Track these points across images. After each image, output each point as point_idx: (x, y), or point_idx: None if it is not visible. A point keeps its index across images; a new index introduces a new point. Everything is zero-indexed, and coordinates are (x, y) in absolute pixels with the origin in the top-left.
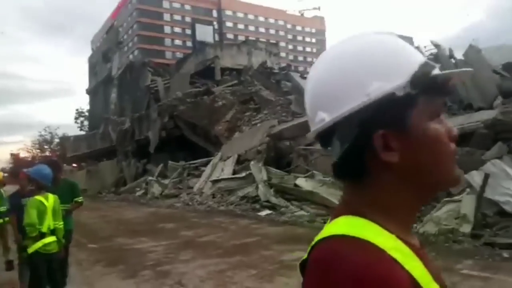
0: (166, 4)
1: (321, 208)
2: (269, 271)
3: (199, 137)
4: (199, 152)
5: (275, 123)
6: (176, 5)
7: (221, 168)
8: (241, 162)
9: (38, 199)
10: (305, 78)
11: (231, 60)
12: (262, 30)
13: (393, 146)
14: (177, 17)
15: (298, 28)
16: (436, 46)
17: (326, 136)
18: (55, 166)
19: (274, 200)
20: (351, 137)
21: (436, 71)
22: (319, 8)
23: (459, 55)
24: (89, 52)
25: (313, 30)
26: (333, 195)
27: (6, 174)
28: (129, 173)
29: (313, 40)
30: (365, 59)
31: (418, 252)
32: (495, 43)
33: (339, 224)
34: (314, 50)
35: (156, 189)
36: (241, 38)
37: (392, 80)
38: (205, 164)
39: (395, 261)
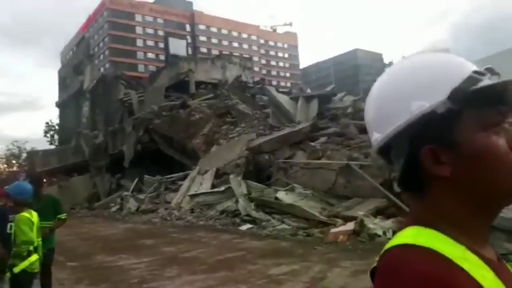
0: (138, 18)
1: (302, 221)
2: (258, 286)
3: (176, 150)
4: (175, 166)
5: (253, 137)
6: (149, 18)
7: (200, 182)
8: (220, 175)
9: (26, 215)
10: (280, 92)
11: (205, 74)
12: (235, 44)
13: (443, 160)
14: (150, 31)
15: (271, 43)
16: None
17: (386, 153)
18: (37, 181)
19: (254, 214)
20: (404, 153)
21: (484, 82)
22: (290, 24)
23: None
24: (57, 65)
25: (286, 46)
26: (314, 208)
27: None
28: (103, 188)
29: (286, 55)
30: (414, 77)
31: (492, 264)
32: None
33: (407, 234)
34: (287, 65)
35: (132, 204)
36: (214, 52)
37: (432, 97)
38: (183, 178)
39: (461, 269)
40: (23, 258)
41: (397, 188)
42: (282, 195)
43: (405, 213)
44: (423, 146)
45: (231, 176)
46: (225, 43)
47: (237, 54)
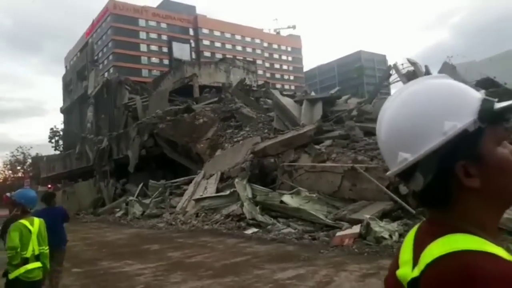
0: (142, 22)
1: (308, 224)
2: None
3: (180, 155)
4: (180, 170)
5: (258, 140)
6: (152, 23)
7: (204, 186)
8: (225, 179)
9: (22, 222)
10: (285, 95)
11: (209, 78)
12: (239, 48)
13: (472, 173)
14: (153, 35)
15: (275, 46)
16: (413, 64)
17: (405, 171)
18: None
19: (260, 217)
20: (433, 170)
21: (497, 105)
22: (294, 27)
23: (434, 72)
24: (61, 70)
25: (289, 48)
26: (319, 211)
27: None
28: (108, 194)
29: (290, 58)
30: (436, 102)
31: None
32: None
33: (456, 240)
34: (291, 68)
35: (137, 209)
36: (218, 56)
37: (463, 118)
38: (188, 183)
39: None
40: (17, 265)
41: (403, 190)
42: (288, 199)
43: (412, 215)
44: (454, 162)
45: (236, 180)
46: (228, 46)
47: (240, 57)
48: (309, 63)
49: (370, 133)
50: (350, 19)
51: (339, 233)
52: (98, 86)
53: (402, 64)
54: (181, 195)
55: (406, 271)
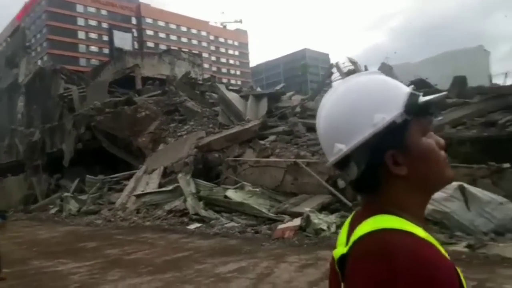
0: (79, 8)
1: (251, 218)
2: (205, 285)
3: (120, 149)
4: (120, 165)
5: (202, 135)
6: (91, 9)
7: (146, 181)
8: (168, 174)
9: None
10: (230, 90)
11: (153, 70)
12: (184, 40)
13: (400, 161)
14: (93, 22)
15: (221, 40)
16: (353, 63)
17: (341, 161)
18: None
19: (203, 212)
20: (365, 160)
21: (421, 98)
22: (241, 21)
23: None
24: None
25: (236, 43)
26: (262, 205)
27: None
28: (40, 190)
29: (236, 53)
30: (368, 96)
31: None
32: (396, 62)
33: (380, 220)
34: (237, 63)
35: (73, 205)
36: (162, 47)
37: (391, 111)
38: (128, 178)
39: (433, 244)
40: None
41: (341, 184)
42: (231, 193)
43: (349, 208)
44: (384, 152)
45: (180, 175)
46: (173, 38)
47: (186, 49)
48: (255, 59)
49: (312, 129)
50: (296, 18)
51: (280, 226)
52: (30, 74)
53: (344, 63)
54: (121, 190)
55: (340, 250)
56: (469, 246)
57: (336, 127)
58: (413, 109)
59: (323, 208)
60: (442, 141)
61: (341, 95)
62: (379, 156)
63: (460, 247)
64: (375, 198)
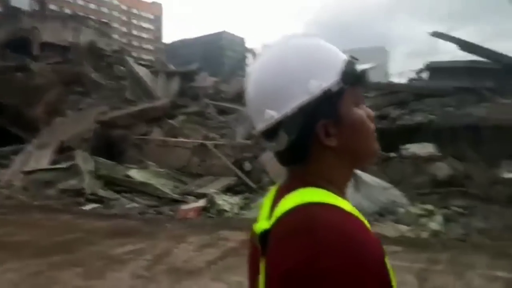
0: None
1: (154, 199)
2: (97, 267)
3: (9, 120)
4: (7, 138)
5: (106, 109)
6: None
7: (38, 157)
8: (64, 150)
9: None
10: (142, 64)
11: (54, 35)
12: (92, 6)
13: (331, 132)
14: None
15: (134, 11)
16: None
17: (270, 130)
18: None
19: (102, 192)
20: (297, 129)
21: (358, 67)
22: None
23: None
24: None
25: (151, 16)
26: (166, 186)
27: None
28: None
29: (151, 27)
30: (303, 61)
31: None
32: None
33: (305, 194)
34: (151, 37)
35: None
36: (67, 11)
37: (328, 78)
38: (16, 152)
39: (357, 217)
40: None
41: (247, 167)
42: (134, 173)
43: (253, 190)
44: (316, 121)
45: (77, 151)
46: (80, 2)
47: (94, 17)
48: (171, 37)
49: (224, 111)
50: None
51: (184, 207)
52: None
53: (259, 49)
54: (7, 166)
55: (262, 225)
56: None
57: (268, 92)
58: (350, 78)
59: (228, 190)
60: (372, 113)
61: (274, 58)
62: (311, 125)
63: None
64: (301, 170)
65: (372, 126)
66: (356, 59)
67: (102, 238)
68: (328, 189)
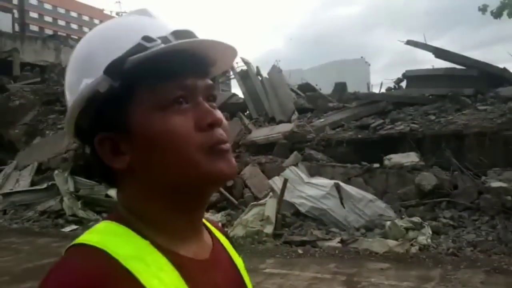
0: None
1: None
2: None
3: None
4: None
5: None
6: None
7: (16, 178)
8: (43, 171)
9: None
10: None
11: (35, 56)
12: (74, 26)
13: (123, 150)
14: None
15: None
16: (246, 63)
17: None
18: None
19: (81, 213)
20: (85, 143)
21: (133, 57)
22: None
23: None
24: None
25: None
26: None
27: None
28: None
29: None
30: (79, 53)
31: (186, 264)
32: (290, 67)
33: (90, 231)
34: None
35: None
36: (48, 32)
37: (94, 74)
38: None
39: (125, 271)
40: None
41: (229, 183)
42: (114, 193)
43: (235, 206)
44: (94, 134)
45: (56, 171)
46: (61, 23)
47: (76, 37)
48: None
49: None
50: (197, 13)
51: None
52: None
53: (237, 63)
54: None
55: None
56: (342, 241)
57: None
58: (118, 71)
59: (211, 207)
60: (208, 117)
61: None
62: (90, 140)
63: (334, 242)
64: (118, 195)
65: (200, 136)
66: (153, 39)
67: None
68: (139, 226)
